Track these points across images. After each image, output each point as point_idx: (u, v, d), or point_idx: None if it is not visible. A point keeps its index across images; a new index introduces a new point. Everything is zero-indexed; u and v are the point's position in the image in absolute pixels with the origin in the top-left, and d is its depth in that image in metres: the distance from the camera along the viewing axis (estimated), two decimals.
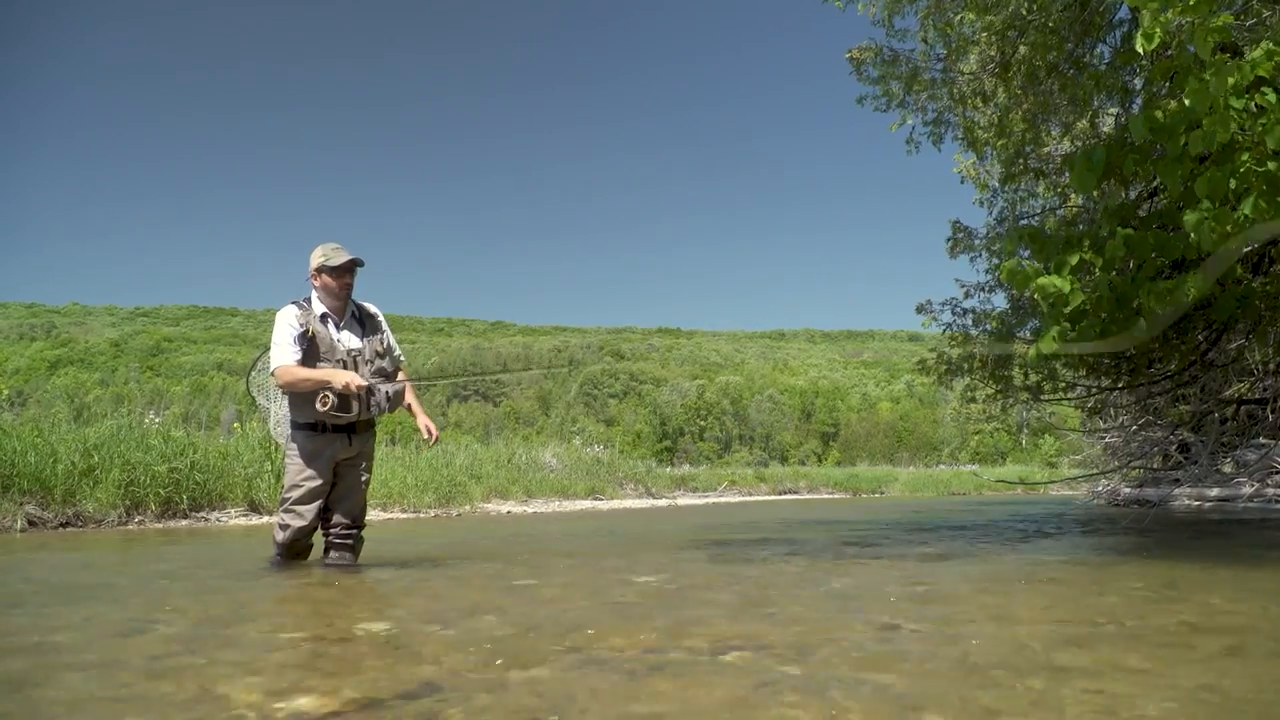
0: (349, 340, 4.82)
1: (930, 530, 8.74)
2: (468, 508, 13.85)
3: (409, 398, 5.02)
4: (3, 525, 7.91)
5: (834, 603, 3.50)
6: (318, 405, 4.60)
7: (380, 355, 4.89)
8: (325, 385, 4.58)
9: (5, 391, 13.40)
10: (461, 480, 14.72)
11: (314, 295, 4.84)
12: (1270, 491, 11.79)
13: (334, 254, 4.76)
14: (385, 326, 5.06)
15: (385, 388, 4.82)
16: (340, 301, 4.83)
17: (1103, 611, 3.20)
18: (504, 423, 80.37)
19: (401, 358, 5.13)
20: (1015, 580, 4.43)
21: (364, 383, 4.66)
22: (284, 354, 4.64)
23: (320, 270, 4.78)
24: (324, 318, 4.78)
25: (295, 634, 2.80)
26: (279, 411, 5.14)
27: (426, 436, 5.02)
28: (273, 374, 4.73)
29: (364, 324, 4.93)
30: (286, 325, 4.69)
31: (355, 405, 4.69)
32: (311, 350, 4.68)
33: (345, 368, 4.72)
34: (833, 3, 7.74)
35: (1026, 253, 5.73)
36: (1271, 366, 9.39)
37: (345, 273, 4.79)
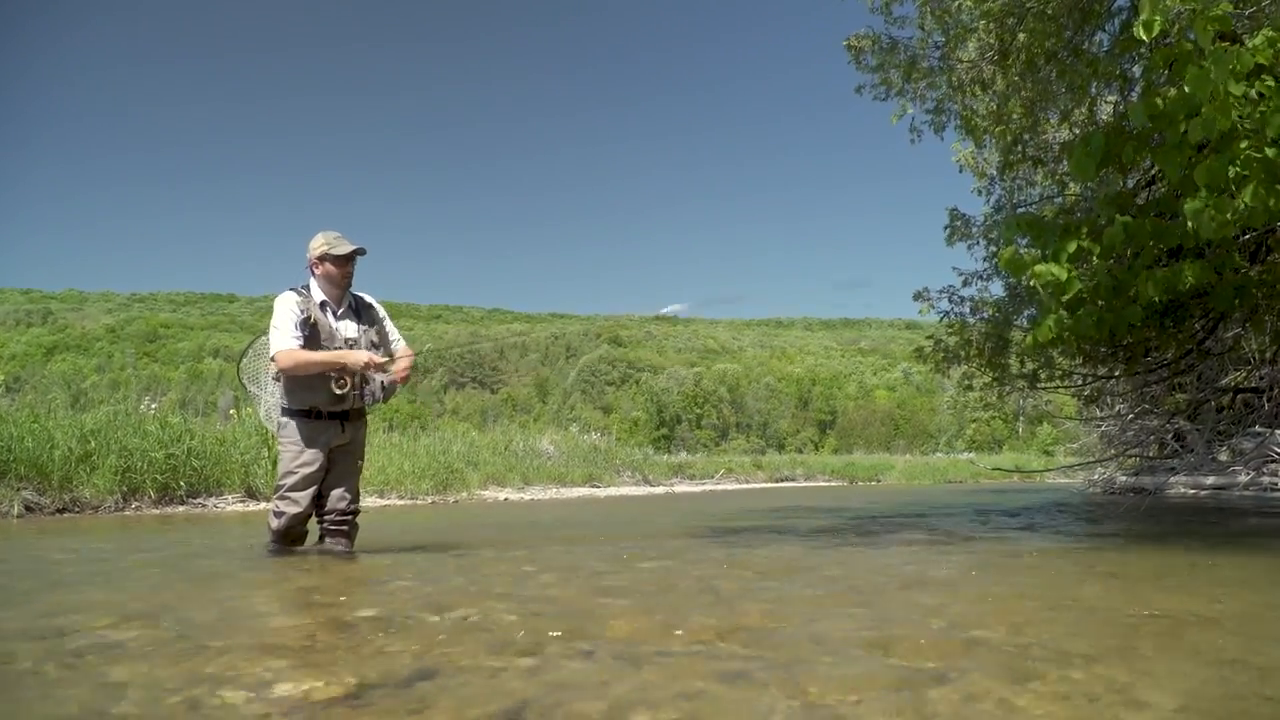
0: (346, 329, 4.83)
1: (926, 518, 8.77)
2: (465, 494, 13.86)
3: (400, 350, 5.05)
4: None
5: (828, 590, 3.50)
6: (334, 388, 4.62)
7: (375, 345, 4.90)
8: (335, 366, 4.61)
9: (2, 377, 13.37)
10: (459, 467, 14.74)
11: (313, 283, 4.85)
12: (1266, 479, 11.83)
13: (337, 243, 4.78)
14: (384, 316, 5.07)
15: (381, 378, 4.83)
16: (340, 290, 4.86)
17: (1078, 597, 3.21)
18: (501, 410, 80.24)
19: (400, 342, 5.12)
20: (1011, 568, 4.44)
21: (381, 359, 4.66)
22: (286, 338, 4.63)
23: (323, 258, 4.78)
24: (323, 305, 4.80)
25: (291, 620, 2.81)
26: (269, 399, 5.13)
27: (397, 369, 4.85)
28: (273, 358, 4.72)
29: (360, 314, 4.94)
30: (288, 310, 4.68)
31: (350, 394, 4.71)
32: (312, 338, 4.69)
33: None
34: None
35: (1024, 240, 5.72)
36: (1268, 355, 9.41)
37: (348, 261, 4.82)
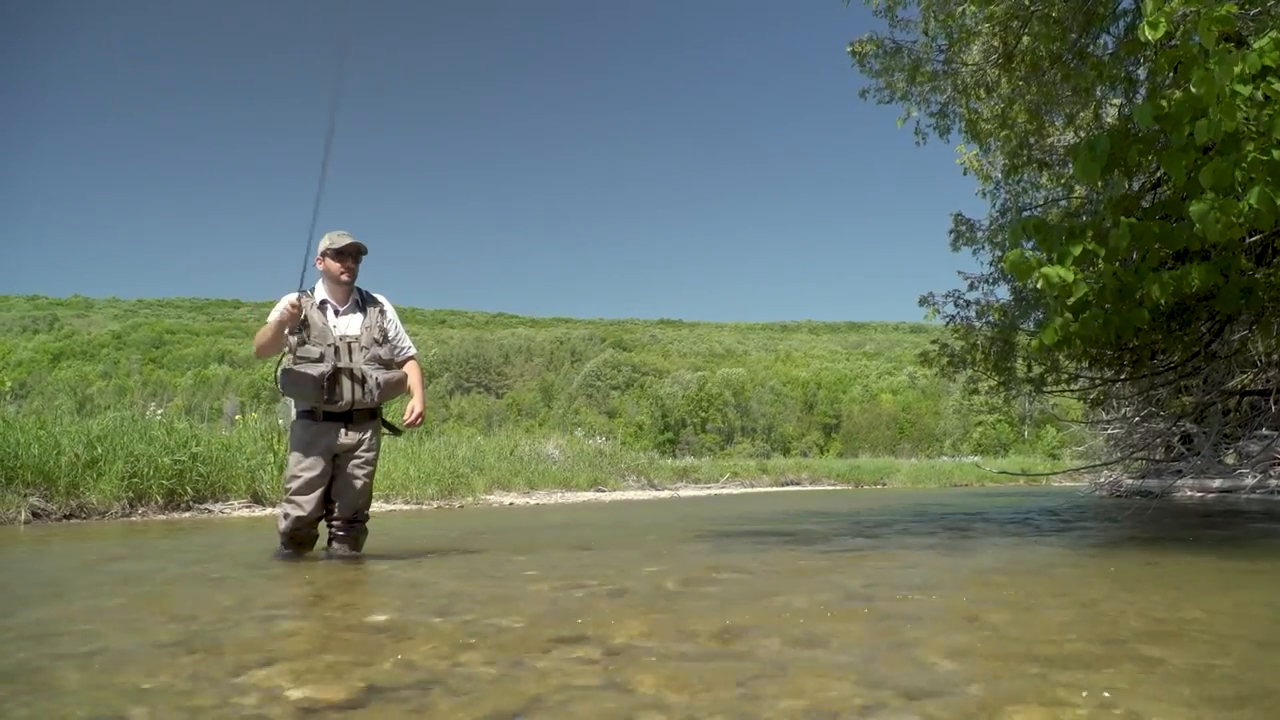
0: (346, 326, 4.86)
1: (930, 522, 8.75)
2: (470, 499, 13.86)
3: (412, 383, 5.04)
4: (7, 518, 7.93)
5: (831, 595, 3.49)
6: (309, 390, 4.68)
7: (378, 343, 4.90)
8: (278, 322, 4.70)
9: (8, 384, 13.41)
10: (464, 472, 14.74)
11: (319, 283, 4.93)
12: (1273, 483, 11.79)
13: (338, 239, 4.86)
14: (390, 316, 5.06)
15: (378, 375, 4.83)
16: (342, 287, 4.89)
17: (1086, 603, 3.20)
18: (506, 414, 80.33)
19: (410, 350, 5.12)
20: (1019, 572, 4.43)
21: (295, 297, 4.71)
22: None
23: (324, 254, 4.87)
24: (323, 304, 4.86)
25: (298, 624, 2.81)
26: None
27: (407, 415, 5.00)
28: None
29: (365, 311, 4.95)
30: (277, 310, 4.81)
31: (348, 391, 4.72)
32: (303, 334, 4.76)
33: (337, 352, 4.75)
34: None
35: (1030, 243, 5.71)
36: (1275, 358, 9.38)
37: (346, 257, 4.86)
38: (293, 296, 4.70)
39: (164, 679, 2.02)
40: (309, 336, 4.74)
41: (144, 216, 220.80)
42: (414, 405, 5.02)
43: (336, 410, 4.77)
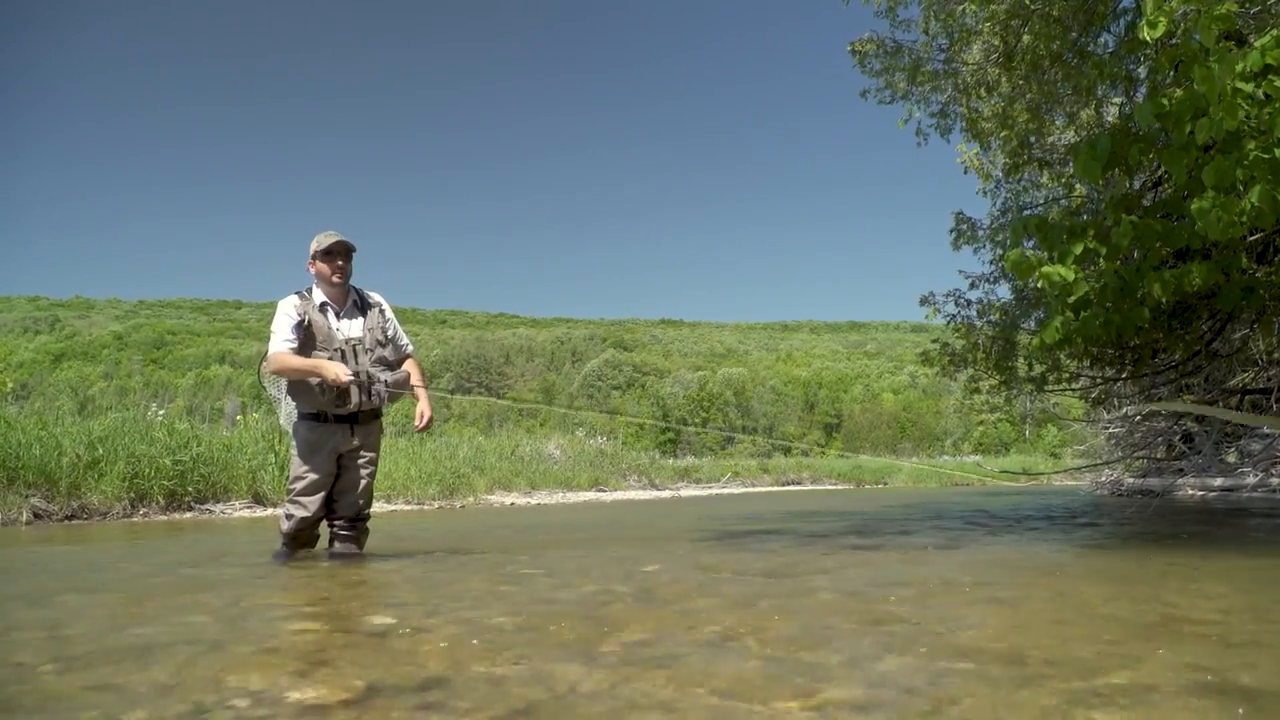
0: (349, 329, 4.83)
1: (931, 521, 8.75)
2: (471, 499, 13.87)
3: (415, 382, 5.03)
4: (9, 519, 7.93)
5: (834, 595, 3.50)
6: (319, 394, 4.64)
7: (381, 344, 4.89)
8: (313, 373, 4.62)
9: (10, 385, 13.42)
10: (465, 472, 14.74)
11: (314, 285, 4.87)
12: (1274, 481, 11.77)
13: (325, 239, 4.81)
14: (389, 315, 5.04)
15: (385, 377, 4.82)
16: (336, 289, 4.85)
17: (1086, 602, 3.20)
18: (507, 414, 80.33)
19: (408, 347, 5.11)
20: (1022, 573, 4.43)
21: (348, 378, 4.61)
22: (278, 342, 4.70)
23: (314, 256, 4.83)
24: (323, 306, 4.81)
25: (300, 625, 2.81)
26: (289, 403, 5.14)
27: (417, 421, 4.99)
28: (266, 360, 4.77)
29: (365, 312, 4.93)
30: (284, 315, 4.74)
31: (356, 395, 4.71)
32: (309, 339, 4.70)
33: (344, 356, 4.73)
34: None
35: (1031, 243, 5.71)
36: (1276, 356, 9.37)
37: (335, 257, 4.80)
38: (345, 373, 4.59)
39: (164, 679, 2.02)
40: (316, 341, 4.72)
41: (144, 216, 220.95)
42: (422, 410, 4.99)
43: (344, 413, 4.77)
